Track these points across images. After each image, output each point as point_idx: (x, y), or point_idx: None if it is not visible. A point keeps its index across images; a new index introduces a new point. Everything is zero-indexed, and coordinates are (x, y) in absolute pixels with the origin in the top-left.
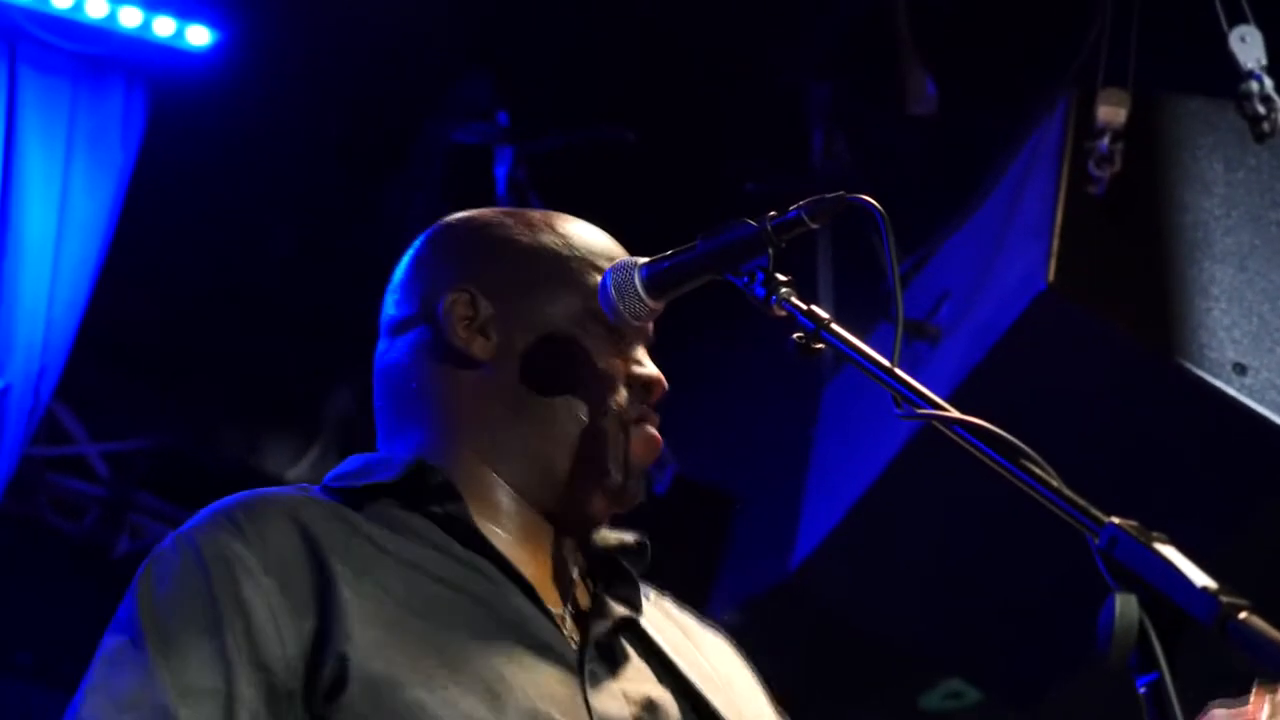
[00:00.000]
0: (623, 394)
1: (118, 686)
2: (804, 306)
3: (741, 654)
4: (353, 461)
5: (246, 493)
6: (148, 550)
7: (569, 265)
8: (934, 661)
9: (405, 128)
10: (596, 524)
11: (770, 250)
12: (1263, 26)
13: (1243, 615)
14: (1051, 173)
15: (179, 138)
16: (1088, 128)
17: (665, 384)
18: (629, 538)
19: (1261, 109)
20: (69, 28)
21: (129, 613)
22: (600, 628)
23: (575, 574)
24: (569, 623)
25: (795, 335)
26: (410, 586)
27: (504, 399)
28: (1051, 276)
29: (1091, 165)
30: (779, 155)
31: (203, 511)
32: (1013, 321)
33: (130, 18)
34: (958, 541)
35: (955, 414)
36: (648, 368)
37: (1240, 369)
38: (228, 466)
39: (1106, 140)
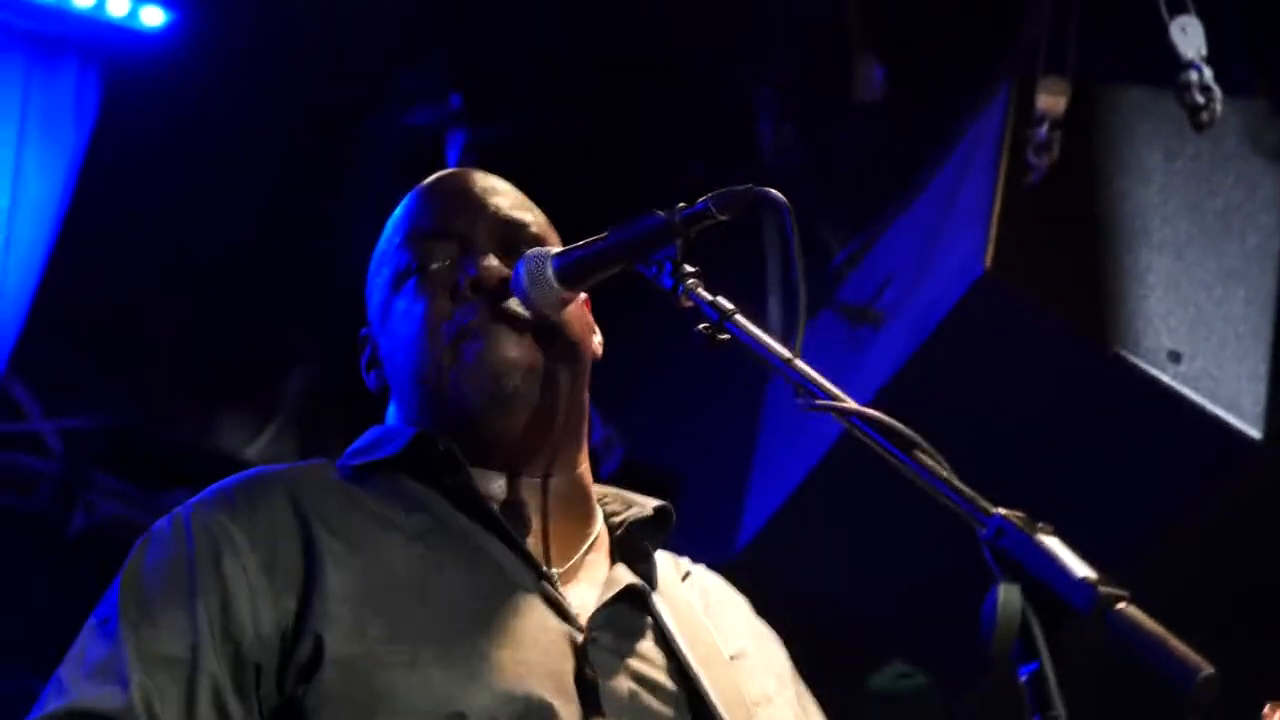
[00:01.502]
0: (446, 317)
1: (89, 656)
2: (709, 297)
3: (763, 622)
4: (367, 436)
5: (254, 469)
6: (102, 527)
7: (388, 251)
8: (878, 643)
9: (359, 109)
10: (518, 449)
11: (679, 241)
12: (1203, 17)
13: (1120, 605)
14: (991, 160)
15: (132, 117)
16: (1027, 116)
17: (487, 273)
18: (649, 507)
19: (1201, 99)
20: (22, 7)
21: (116, 584)
22: (604, 598)
23: (591, 537)
24: (582, 596)
25: (701, 325)
26: (406, 562)
27: (398, 398)
28: (989, 262)
29: (1030, 153)
30: (728, 144)
31: (207, 488)
32: (951, 306)
33: None
34: (901, 522)
35: (852, 405)
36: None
37: (1175, 357)
38: (183, 444)
39: (1045, 129)
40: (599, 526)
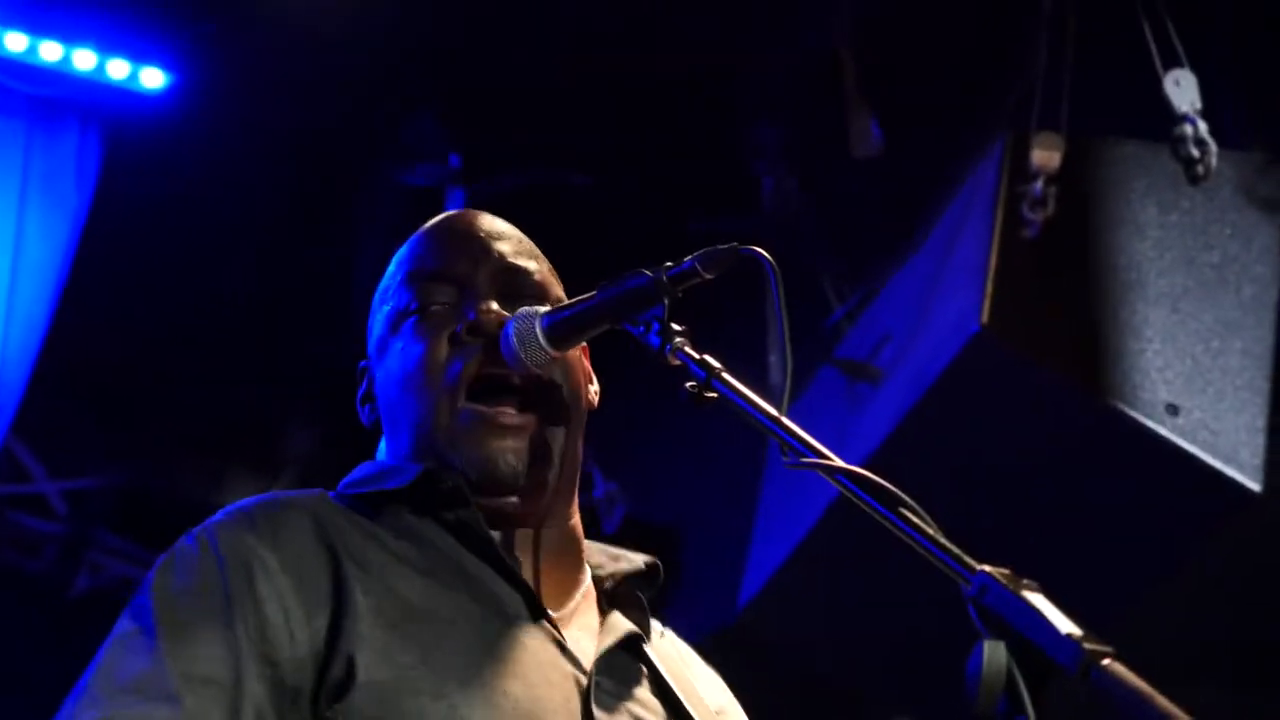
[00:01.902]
0: (443, 362)
1: (124, 670)
2: (696, 356)
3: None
4: (364, 468)
5: (267, 494)
6: (106, 589)
7: (390, 287)
8: (881, 700)
9: (357, 169)
10: (510, 509)
11: (665, 300)
12: (1196, 70)
13: (1105, 662)
14: (986, 216)
15: (134, 178)
16: (1022, 171)
17: (486, 319)
18: (639, 562)
19: (1196, 152)
20: (24, 70)
21: (142, 600)
22: (606, 643)
23: (582, 587)
24: (577, 640)
25: (688, 384)
26: (421, 593)
27: (391, 434)
28: (985, 318)
29: (1025, 208)
30: (730, 196)
31: (222, 510)
32: (948, 363)
33: (84, 60)
34: (901, 579)
35: (838, 463)
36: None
37: (1173, 409)
38: (187, 503)
39: (1040, 184)
40: (589, 577)
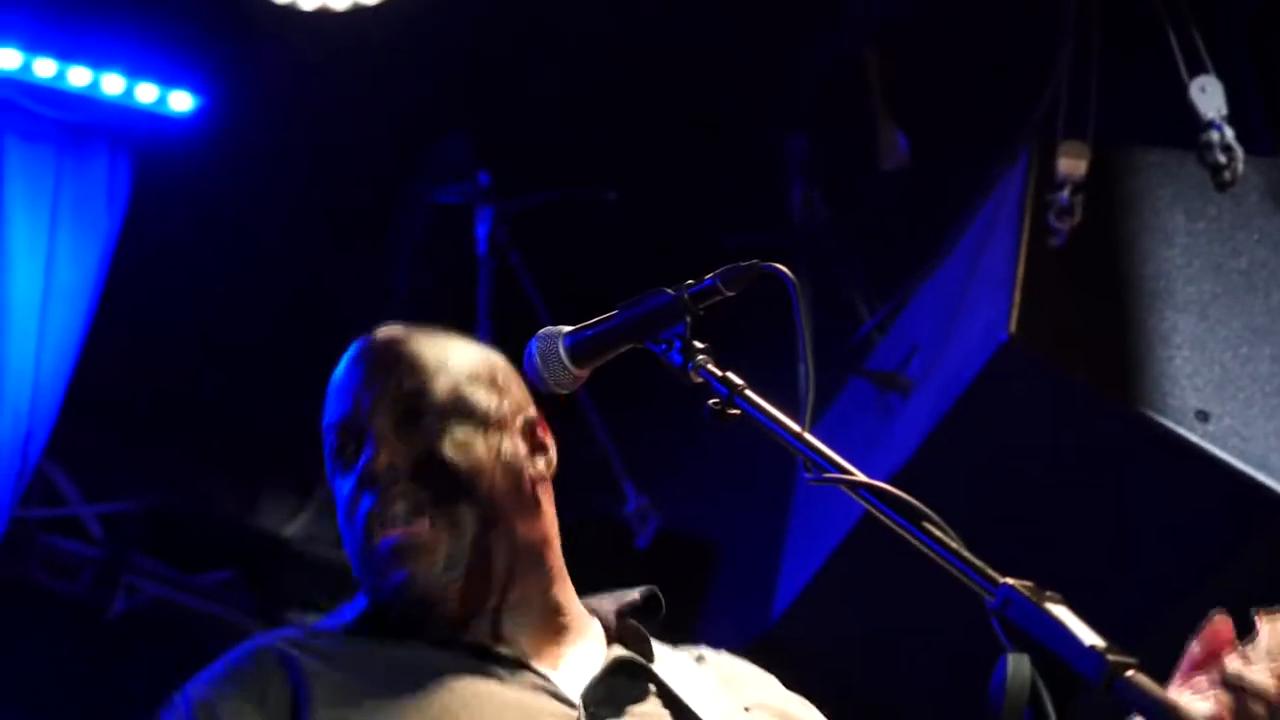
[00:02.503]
0: (356, 506)
1: None
2: (719, 374)
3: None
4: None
5: (248, 641)
6: (143, 611)
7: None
8: (915, 711)
9: (386, 188)
10: (461, 617)
11: (687, 318)
12: (1222, 76)
13: (1129, 673)
14: (1013, 225)
15: (164, 201)
16: (1049, 180)
17: (376, 472)
18: (635, 594)
19: (1222, 158)
20: (53, 96)
21: None
22: (594, 674)
23: (576, 637)
24: (570, 681)
25: (711, 401)
26: (388, 675)
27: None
28: (1013, 328)
29: (1052, 217)
30: (758, 210)
31: (202, 671)
32: (976, 373)
33: (113, 85)
34: (933, 590)
35: (860, 477)
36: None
37: (1203, 416)
38: (223, 525)
39: (1067, 192)
40: (586, 627)
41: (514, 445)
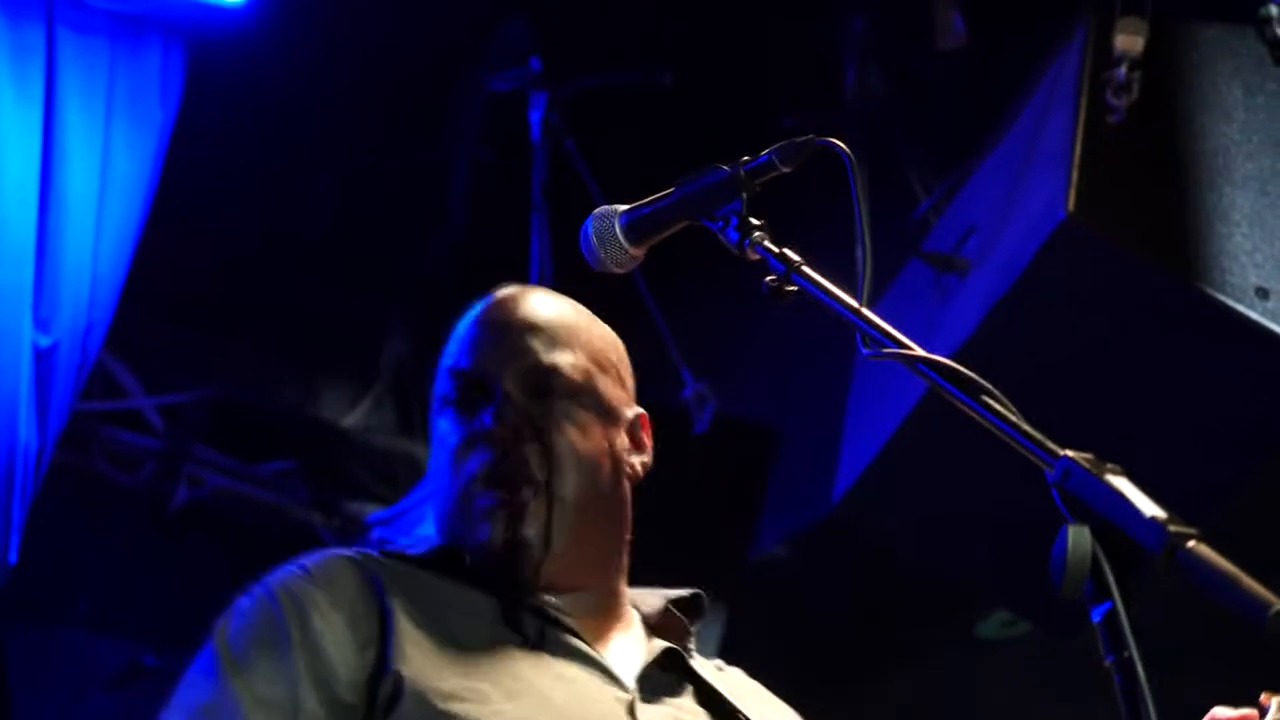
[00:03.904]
0: (463, 459)
1: (194, 700)
2: (776, 250)
3: None
4: (404, 522)
5: (320, 551)
6: (206, 501)
7: (439, 367)
8: (978, 589)
9: (443, 76)
10: (529, 584)
11: (744, 194)
12: None
13: (1191, 544)
14: (1070, 102)
15: (218, 93)
16: (1105, 57)
17: (497, 432)
18: (682, 591)
19: None
20: None
21: (206, 650)
22: (646, 660)
23: (624, 626)
24: (619, 664)
25: (768, 278)
26: (459, 622)
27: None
28: (1071, 206)
29: (1109, 94)
30: (814, 90)
31: (280, 567)
32: (1035, 252)
33: None
34: (995, 468)
35: (918, 352)
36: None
37: (1263, 293)
38: (283, 415)
39: (1124, 69)
40: (631, 618)
41: (623, 441)
